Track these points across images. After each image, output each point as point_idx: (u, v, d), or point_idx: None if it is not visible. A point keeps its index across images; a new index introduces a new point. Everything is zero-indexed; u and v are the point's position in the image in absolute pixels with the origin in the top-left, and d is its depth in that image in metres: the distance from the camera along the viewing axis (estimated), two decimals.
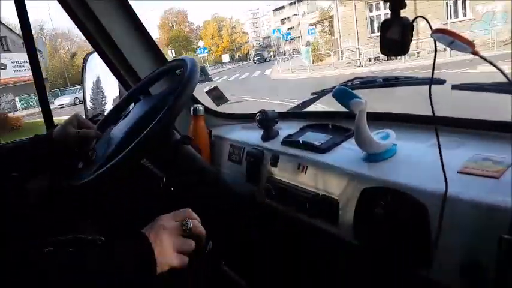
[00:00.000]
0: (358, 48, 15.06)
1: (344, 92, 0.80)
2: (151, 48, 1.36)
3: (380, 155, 0.82)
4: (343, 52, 16.54)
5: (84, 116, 1.13)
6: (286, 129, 1.15)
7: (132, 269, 0.61)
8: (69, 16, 1.27)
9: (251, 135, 1.22)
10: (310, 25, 21.23)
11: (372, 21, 16.10)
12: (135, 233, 0.65)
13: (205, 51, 31.24)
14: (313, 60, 18.36)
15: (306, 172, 0.95)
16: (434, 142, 0.66)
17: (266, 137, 1.14)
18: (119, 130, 0.99)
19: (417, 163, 0.78)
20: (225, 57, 35.85)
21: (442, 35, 0.56)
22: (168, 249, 0.64)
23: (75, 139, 0.95)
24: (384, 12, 15.35)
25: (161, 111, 0.83)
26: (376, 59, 14.40)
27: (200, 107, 1.32)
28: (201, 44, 37.14)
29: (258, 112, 1.13)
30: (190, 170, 1.05)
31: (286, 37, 28.74)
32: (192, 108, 1.32)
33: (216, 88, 1.33)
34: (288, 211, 0.98)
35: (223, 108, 1.49)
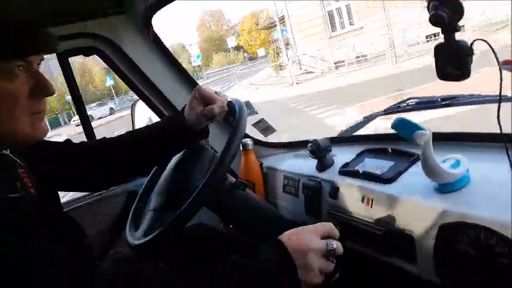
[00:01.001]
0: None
1: (405, 124, 0.77)
2: (184, 78, 1.41)
3: (453, 185, 0.78)
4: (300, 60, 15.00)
5: None
6: (341, 155, 1.14)
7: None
8: (114, 70, 1.36)
9: (305, 165, 1.21)
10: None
11: (331, 16, 14.36)
12: (277, 249, 0.67)
13: (199, 59, 33.10)
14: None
15: (371, 205, 0.92)
16: (505, 163, 0.62)
17: (321, 167, 1.13)
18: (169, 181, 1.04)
19: (495, 190, 0.73)
20: (260, 52, 35.90)
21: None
22: (312, 269, 0.66)
23: (202, 117, 0.95)
24: (344, 3, 13.93)
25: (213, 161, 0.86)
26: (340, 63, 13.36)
27: (249, 141, 1.34)
28: (194, 52, 37.86)
29: (310, 142, 1.13)
30: (249, 212, 1.07)
31: None
32: (241, 144, 1.35)
33: (262, 120, 1.35)
34: (357, 248, 0.95)
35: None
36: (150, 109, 1.44)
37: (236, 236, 1.15)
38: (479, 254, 0.69)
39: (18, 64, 0.58)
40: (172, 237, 0.90)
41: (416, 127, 0.77)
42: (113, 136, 1.05)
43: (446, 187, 0.78)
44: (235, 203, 1.03)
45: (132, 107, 1.63)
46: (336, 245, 0.70)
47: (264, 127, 1.33)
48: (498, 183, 0.74)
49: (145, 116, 1.56)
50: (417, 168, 0.91)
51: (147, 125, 1.06)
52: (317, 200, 1.11)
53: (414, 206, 0.82)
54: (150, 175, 1.23)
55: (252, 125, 1.36)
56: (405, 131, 0.78)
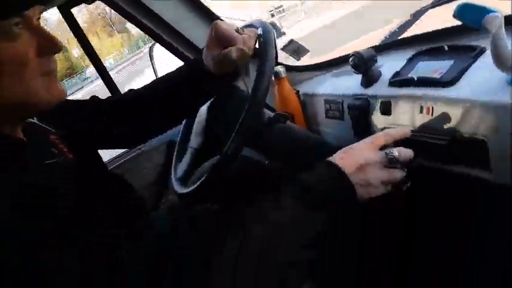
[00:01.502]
0: None
1: (471, 9, 0.65)
2: (201, 9, 1.29)
3: None
4: None
5: None
6: (389, 65, 1.02)
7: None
8: (122, 14, 1.27)
9: (347, 84, 1.11)
10: None
11: None
12: (328, 169, 0.63)
13: None
14: None
15: (432, 114, 0.82)
16: None
17: (368, 82, 1.02)
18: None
19: None
20: None
21: None
22: (373, 187, 0.63)
23: (220, 62, 0.84)
24: None
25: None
26: None
27: (281, 69, 1.24)
28: None
29: (351, 55, 1.01)
30: (292, 144, 1.01)
31: None
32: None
33: (292, 41, 1.22)
34: (421, 162, 0.88)
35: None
36: (170, 52, 1.36)
37: (283, 168, 1.11)
38: None
39: (16, 22, 0.52)
40: (218, 179, 0.87)
41: (485, 11, 0.64)
42: (136, 88, 0.99)
43: None
44: (276, 137, 0.98)
45: (150, 52, 1.54)
46: (398, 151, 0.64)
47: (295, 48, 1.22)
48: None
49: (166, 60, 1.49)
50: (482, 64, 0.79)
51: (167, 74, 0.96)
52: (366, 120, 1.02)
53: (484, 106, 0.71)
54: (183, 124, 1.20)
55: (281, 49, 1.25)
56: (472, 18, 0.65)
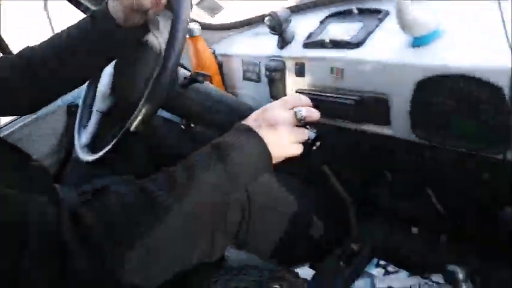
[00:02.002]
0: None
1: None
2: None
3: (428, 37, 0.74)
4: None
5: None
6: (303, 27, 1.05)
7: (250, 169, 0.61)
8: None
9: (264, 44, 1.12)
10: None
11: None
12: (242, 129, 0.63)
13: None
14: None
15: (342, 76, 0.88)
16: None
17: (283, 43, 1.04)
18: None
19: (469, 40, 0.70)
20: None
21: None
22: (284, 142, 0.64)
23: (131, 12, 0.79)
24: None
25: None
26: None
27: (195, 26, 1.19)
28: None
29: (267, 15, 1.01)
30: (210, 106, 1.00)
31: None
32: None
33: None
34: (331, 122, 0.94)
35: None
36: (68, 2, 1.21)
37: (201, 131, 1.10)
38: (459, 103, 0.69)
39: None
40: (131, 143, 0.83)
41: None
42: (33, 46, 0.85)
43: (421, 40, 0.75)
44: (193, 98, 0.95)
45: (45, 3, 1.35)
46: (306, 111, 0.67)
47: (209, 6, 1.18)
48: (472, 32, 0.71)
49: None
50: (388, 25, 0.86)
51: (67, 29, 0.85)
52: (282, 81, 1.05)
53: (388, 66, 0.79)
54: (87, 85, 1.10)
55: (196, 4, 1.19)
56: None
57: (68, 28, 0.85)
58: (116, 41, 0.84)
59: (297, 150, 0.66)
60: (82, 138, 1.06)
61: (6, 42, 1.21)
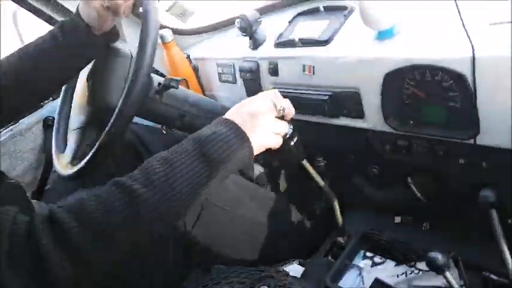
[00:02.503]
0: None
1: None
2: None
3: (391, 30, 0.76)
4: None
5: None
6: (273, 27, 1.05)
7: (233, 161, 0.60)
8: None
9: (237, 46, 1.12)
10: None
11: None
12: (220, 121, 0.63)
13: None
14: None
15: (314, 73, 0.89)
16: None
17: (255, 44, 1.05)
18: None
19: (428, 31, 0.72)
20: None
21: None
22: (265, 131, 0.65)
23: (104, 12, 0.81)
24: None
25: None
26: None
27: (167, 32, 1.19)
28: None
29: (237, 18, 1.02)
30: (188, 110, 1.00)
31: None
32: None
33: (176, 3, 1.17)
34: (306, 119, 0.95)
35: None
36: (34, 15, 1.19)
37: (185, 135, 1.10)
38: (427, 92, 0.71)
39: None
40: (109, 155, 0.82)
41: None
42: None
43: (385, 34, 0.76)
44: (169, 104, 0.95)
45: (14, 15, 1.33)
46: (286, 104, 0.68)
47: (180, 12, 1.17)
48: (428, 24, 0.73)
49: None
50: (353, 22, 0.87)
51: (37, 39, 0.85)
52: (257, 82, 1.06)
53: (356, 61, 0.80)
54: (61, 96, 1.08)
55: (166, 11, 1.19)
56: None
57: (36, 40, 0.85)
58: (88, 48, 0.85)
59: (276, 141, 0.67)
60: (60, 152, 1.05)
61: None
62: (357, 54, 0.79)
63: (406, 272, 0.83)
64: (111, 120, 0.75)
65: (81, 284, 0.51)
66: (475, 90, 0.63)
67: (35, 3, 1.13)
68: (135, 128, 1.10)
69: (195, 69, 1.27)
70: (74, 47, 0.84)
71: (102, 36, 0.86)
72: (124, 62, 0.93)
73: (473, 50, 0.61)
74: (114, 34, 0.90)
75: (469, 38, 0.60)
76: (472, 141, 0.68)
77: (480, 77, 0.62)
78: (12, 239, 0.48)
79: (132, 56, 0.93)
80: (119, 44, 0.93)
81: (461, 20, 0.60)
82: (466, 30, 0.60)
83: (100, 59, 0.92)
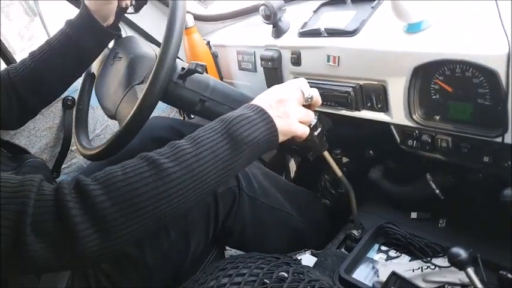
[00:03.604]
0: None
1: None
2: None
3: (422, 23, 0.74)
4: None
5: None
6: (297, 16, 1.04)
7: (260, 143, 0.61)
8: None
9: (258, 35, 1.12)
10: None
11: None
12: (248, 105, 0.64)
13: None
14: None
15: (338, 63, 0.88)
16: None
17: (278, 33, 1.04)
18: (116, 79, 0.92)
19: (459, 27, 0.71)
20: None
21: None
22: (293, 119, 0.65)
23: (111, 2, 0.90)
24: None
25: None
26: None
27: (189, 18, 1.18)
28: None
29: (261, 5, 1.01)
30: (208, 96, 0.99)
31: None
32: None
33: None
34: (330, 110, 0.95)
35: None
36: None
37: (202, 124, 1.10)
38: (455, 88, 0.70)
39: None
40: (131, 138, 0.83)
41: None
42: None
43: (416, 27, 0.75)
44: (191, 90, 0.95)
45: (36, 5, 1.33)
46: (314, 92, 0.68)
47: None
48: (461, 18, 0.72)
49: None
50: (382, 14, 0.86)
51: (49, 39, 0.93)
52: (279, 70, 1.05)
53: (384, 53, 0.79)
54: (82, 77, 1.09)
55: None
56: None
57: (47, 40, 0.92)
58: (97, 38, 0.92)
59: (302, 131, 0.67)
60: (81, 132, 1.06)
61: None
62: (385, 47, 0.78)
63: (421, 267, 0.83)
64: (137, 103, 0.75)
65: (103, 251, 0.51)
66: (508, 88, 0.62)
67: None
68: (173, 124, 1.12)
69: (215, 56, 1.26)
70: (83, 40, 0.90)
71: (108, 27, 0.94)
72: (144, 46, 0.94)
73: (510, 47, 0.59)
74: (117, 27, 0.98)
75: (506, 34, 0.59)
76: (499, 139, 0.68)
77: None
78: (39, 203, 0.48)
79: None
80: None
81: (499, 14, 0.59)
82: (503, 25, 0.59)
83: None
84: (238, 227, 0.92)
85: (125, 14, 1.01)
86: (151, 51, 0.92)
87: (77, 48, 0.91)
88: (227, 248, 1.20)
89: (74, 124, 1.09)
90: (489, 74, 0.64)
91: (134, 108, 0.76)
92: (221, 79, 1.28)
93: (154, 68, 0.75)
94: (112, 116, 0.92)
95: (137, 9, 1.02)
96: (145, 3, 1.02)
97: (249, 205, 0.91)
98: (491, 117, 0.68)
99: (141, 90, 0.76)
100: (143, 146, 1.01)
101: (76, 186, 0.51)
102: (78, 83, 1.10)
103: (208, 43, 1.25)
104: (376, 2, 0.88)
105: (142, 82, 0.87)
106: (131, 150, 0.77)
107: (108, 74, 0.97)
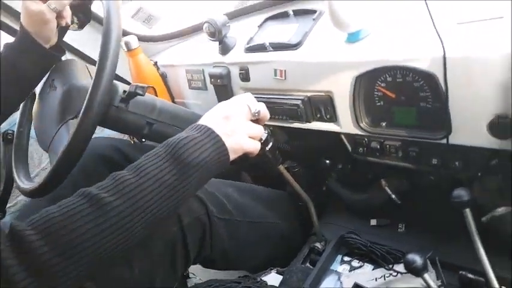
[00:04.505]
0: None
1: None
2: None
3: (360, 32, 0.74)
4: None
5: None
6: (242, 32, 1.03)
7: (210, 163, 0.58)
8: None
9: (205, 52, 1.09)
10: None
11: None
12: (195, 126, 0.61)
13: None
14: None
15: (285, 77, 0.87)
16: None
17: (225, 50, 1.02)
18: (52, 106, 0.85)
19: (397, 34, 0.71)
20: None
21: None
22: (241, 136, 0.62)
23: (49, 15, 0.79)
24: None
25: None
26: None
27: (131, 38, 1.13)
28: None
29: (205, 22, 0.98)
30: (156, 118, 0.95)
31: None
32: (122, 44, 1.14)
33: (141, 8, 1.13)
34: (279, 124, 0.93)
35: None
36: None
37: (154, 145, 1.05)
38: (398, 93, 0.70)
39: None
40: (71, 166, 0.76)
41: None
42: None
43: (355, 36, 0.75)
44: (136, 113, 0.90)
45: None
46: (261, 107, 0.66)
47: (146, 17, 1.13)
48: (398, 25, 0.73)
49: None
50: (323, 25, 0.86)
51: None
52: (229, 87, 1.02)
53: (327, 64, 0.78)
54: (20, 109, 1.01)
55: (132, 17, 1.14)
56: None
57: None
58: (40, 62, 0.84)
59: (253, 146, 0.65)
60: (20, 167, 0.98)
61: None
62: (328, 58, 0.78)
63: (384, 276, 0.81)
64: (72, 132, 0.69)
65: None
66: (447, 89, 0.63)
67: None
68: (117, 144, 1.06)
69: (164, 77, 1.22)
70: (25, 64, 0.82)
71: (51, 49, 0.85)
72: (74, 72, 0.88)
73: (444, 50, 0.60)
74: (61, 47, 0.90)
75: (440, 37, 0.60)
76: (444, 141, 0.68)
77: (452, 76, 0.62)
78: None
79: (86, 66, 0.90)
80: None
81: (432, 19, 0.59)
82: (436, 30, 0.60)
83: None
84: (218, 254, 0.88)
85: (69, 31, 0.94)
86: (88, 80, 0.86)
87: (17, 74, 0.83)
88: (191, 275, 1.14)
89: (13, 158, 1.00)
90: (428, 77, 0.65)
91: (70, 135, 0.71)
92: (172, 100, 1.24)
93: (88, 93, 0.69)
94: (47, 151, 0.85)
95: (81, 26, 0.95)
96: (89, 21, 0.96)
97: (225, 228, 0.87)
98: (435, 120, 0.69)
99: (74, 126, 0.70)
100: (86, 167, 0.95)
101: (10, 233, 0.47)
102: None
103: (155, 63, 1.21)
104: (317, 13, 0.88)
105: (76, 117, 0.81)
106: (73, 174, 0.73)
107: (43, 105, 0.90)
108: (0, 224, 0.71)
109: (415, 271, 0.62)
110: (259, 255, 0.97)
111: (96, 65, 0.70)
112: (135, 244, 0.54)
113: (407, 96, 0.70)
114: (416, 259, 0.61)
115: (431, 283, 0.62)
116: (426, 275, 0.62)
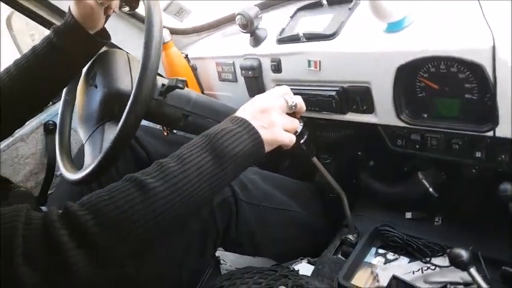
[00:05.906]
0: None
1: None
2: None
3: (401, 22, 0.70)
4: None
5: None
6: (273, 23, 1.00)
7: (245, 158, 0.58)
8: None
9: (236, 44, 1.07)
10: None
11: None
12: (231, 118, 0.61)
13: None
14: None
15: (320, 68, 0.84)
16: None
17: (256, 41, 0.99)
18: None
19: (440, 24, 0.67)
20: None
21: None
22: (278, 129, 0.62)
23: (98, 7, 0.80)
24: None
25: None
26: None
27: (165, 32, 1.12)
28: None
29: (238, 14, 0.96)
30: (191, 110, 0.94)
31: None
32: None
33: (172, 2, 1.11)
34: (314, 115, 0.90)
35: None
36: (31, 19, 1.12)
37: (186, 136, 1.04)
38: (441, 85, 0.66)
39: None
40: (116, 158, 0.77)
41: None
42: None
43: (394, 26, 0.71)
44: (173, 106, 0.89)
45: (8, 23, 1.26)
46: (298, 100, 0.65)
47: (177, 10, 1.11)
48: (441, 14, 0.68)
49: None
50: (359, 15, 0.82)
51: (34, 46, 0.84)
52: (260, 79, 1.00)
53: (366, 55, 0.75)
54: (62, 99, 1.02)
55: (164, 11, 1.13)
56: None
57: (33, 47, 0.83)
58: (84, 47, 0.84)
59: (289, 139, 0.64)
60: (65, 158, 0.99)
61: None
62: (366, 48, 0.74)
63: (421, 269, 0.79)
64: (119, 125, 0.69)
65: (97, 276, 0.49)
66: (495, 81, 0.58)
67: (27, 5, 1.06)
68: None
69: (194, 69, 1.21)
70: (70, 49, 0.82)
71: (96, 35, 0.85)
72: (119, 62, 0.88)
73: (494, 40, 0.56)
74: (106, 33, 0.89)
75: (490, 27, 0.55)
76: (490, 133, 0.64)
77: (501, 67, 0.57)
78: (27, 232, 0.47)
79: (128, 56, 0.89)
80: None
81: (481, 9, 0.55)
82: (486, 19, 0.55)
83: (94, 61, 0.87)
84: (246, 236, 0.89)
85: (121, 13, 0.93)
86: (128, 82, 0.86)
87: (64, 57, 0.83)
88: (222, 262, 1.14)
89: (57, 148, 1.02)
90: (475, 68, 0.61)
91: (118, 128, 0.71)
92: (202, 92, 1.23)
93: (134, 88, 0.69)
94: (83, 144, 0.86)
95: (132, 9, 0.93)
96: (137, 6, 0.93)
97: (251, 212, 0.89)
98: (480, 112, 0.65)
99: (109, 129, 0.70)
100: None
101: (64, 212, 0.50)
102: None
103: (186, 56, 1.19)
104: (353, 3, 0.84)
105: (112, 119, 0.81)
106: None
107: (84, 100, 0.91)
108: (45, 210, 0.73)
109: (461, 265, 0.59)
110: (284, 242, 0.97)
111: (140, 65, 0.70)
112: (176, 227, 0.56)
113: (451, 88, 0.66)
114: (463, 253, 0.58)
115: (478, 277, 0.59)
116: (472, 270, 0.59)
